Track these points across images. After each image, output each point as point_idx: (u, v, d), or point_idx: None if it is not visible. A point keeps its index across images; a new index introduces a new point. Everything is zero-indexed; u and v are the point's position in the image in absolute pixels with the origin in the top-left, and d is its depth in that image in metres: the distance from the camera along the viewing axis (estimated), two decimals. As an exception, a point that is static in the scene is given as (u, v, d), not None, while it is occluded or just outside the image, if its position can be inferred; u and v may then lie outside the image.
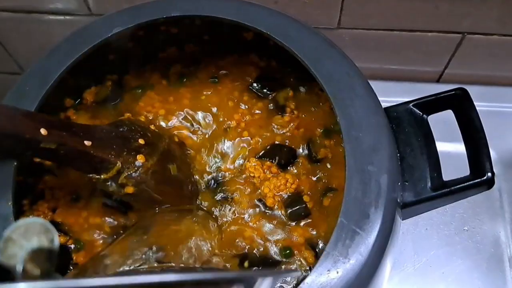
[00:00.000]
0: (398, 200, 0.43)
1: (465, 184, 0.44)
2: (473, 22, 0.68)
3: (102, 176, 0.44)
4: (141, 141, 0.47)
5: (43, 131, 0.40)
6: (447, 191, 0.44)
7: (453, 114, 0.48)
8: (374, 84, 0.48)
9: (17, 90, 0.47)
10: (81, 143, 0.42)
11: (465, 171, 0.46)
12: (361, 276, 0.39)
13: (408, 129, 0.47)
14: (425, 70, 0.79)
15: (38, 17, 0.70)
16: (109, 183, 0.45)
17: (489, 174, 0.43)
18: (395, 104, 0.48)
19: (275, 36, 0.48)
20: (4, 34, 0.74)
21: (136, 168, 0.45)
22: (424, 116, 0.47)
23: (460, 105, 0.46)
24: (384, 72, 0.78)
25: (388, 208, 0.41)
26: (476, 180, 0.43)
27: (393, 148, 0.44)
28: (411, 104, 0.47)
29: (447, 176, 0.46)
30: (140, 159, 0.46)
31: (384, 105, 0.47)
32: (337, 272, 0.38)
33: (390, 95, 0.57)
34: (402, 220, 0.46)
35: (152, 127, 0.51)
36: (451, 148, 0.59)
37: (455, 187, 0.43)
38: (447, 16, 0.67)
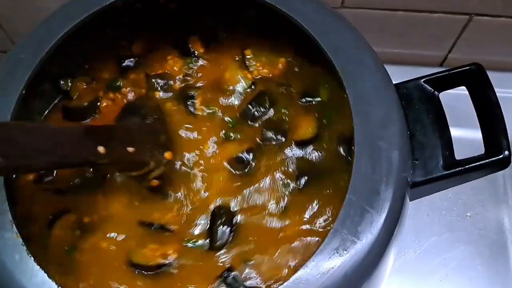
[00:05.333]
0: (408, 179, 0.41)
1: (480, 163, 0.42)
2: (480, 2, 0.66)
3: (133, 173, 0.46)
4: (163, 137, 0.48)
5: (100, 149, 0.41)
6: (460, 170, 0.42)
7: (455, 100, 0.47)
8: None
9: (11, 57, 0.45)
10: (127, 152, 0.44)
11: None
12: (370, 256, 0.37)
13: (418, 106, 0.45)
14: (428, 54, 0.77)
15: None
16: (137, 177, 0.46)
17: (506, 152, 0.41)
18: (404, 80, 0.46)
19: (280, 7, 0.46)
20: (-1, 11, 0.71)
21: (164, 166, 0.47)
22: (436, 93, 0.45)
23: (475, 81, 0.44)
24: (385, 56, 0.76)
25: (399, 186, 0.39)
26: (491, 159, 0.41)
27: (403, 124, 0.42)
28: (422, 80, 0.45)
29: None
30: (168, 157, 0.47)
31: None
32: (346, 251, 0.36)
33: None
34: (410, 200, 0.44)
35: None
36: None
37: (469, 165, 0.41)
38: (454, -5, 0.65)
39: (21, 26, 0.73)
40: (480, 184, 0.68)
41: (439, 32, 0.72)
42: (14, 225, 0.38)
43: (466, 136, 0.56)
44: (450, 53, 0.76)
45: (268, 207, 0.46)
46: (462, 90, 0.50)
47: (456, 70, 0.44)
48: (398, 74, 0.60)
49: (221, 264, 0.44)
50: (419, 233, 0.66)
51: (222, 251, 0.45)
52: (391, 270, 0.62)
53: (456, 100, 0.50)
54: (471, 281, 0.64)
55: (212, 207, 0.47)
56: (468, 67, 0.44)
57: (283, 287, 0.36)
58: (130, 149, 0.44)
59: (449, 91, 0.47)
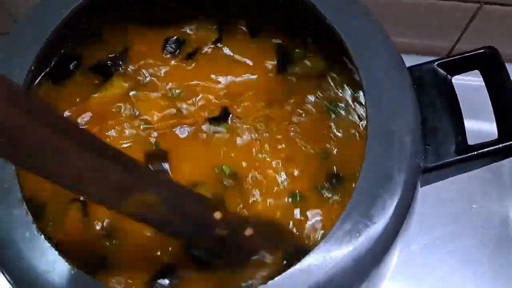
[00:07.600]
0: (421, 164, 0.40)
1: (493, 147, 0.41)
2: (490, -9, 0.65)
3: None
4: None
5: (217, 214, 0.35)
6: (473, 155, 0.41)
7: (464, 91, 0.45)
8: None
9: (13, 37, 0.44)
10: (245, 231, 0.37)
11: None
12: (382, 241, 0.36)
13: (431, 89, 0.44)
14: (435, 44, 0.76)
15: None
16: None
17: (521, 137, 0.40)
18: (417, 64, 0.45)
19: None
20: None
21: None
22: (448, 76, 0.44)
23: (489, 64, 0.43)
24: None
25: (411, 171, 0.39)
26: (505, 144, 0.40)
27: (416, 108, 0.41)
28: (435, 64, 0.44)
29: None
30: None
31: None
32: (358, 234, 0.35)
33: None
34: (421, 186, 0.43)
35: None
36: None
37: (482, 150, 0.41)
38: (464, -18, 0.64)
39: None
40: (486, 175, 0.67)
41: (447, 21, 0.71)
42: (24, 202, 0.36)
43: (474, 127, 0.55)
44: (457, 44, 0.75)
45: None
46: (472, 81, 0.50)
47: (469, 54, 0.43)
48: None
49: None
50: (424, 225, 0.65)
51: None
52: (396, 262, 0.62)
53: (466, 91, 0.49)
54: (475, 273, 0.63)
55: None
56: (482, 51, 0.43)
57: (294, 269, 0.35)
58: (249, 231, 0.37)
59: (459, 82, 0.46)
